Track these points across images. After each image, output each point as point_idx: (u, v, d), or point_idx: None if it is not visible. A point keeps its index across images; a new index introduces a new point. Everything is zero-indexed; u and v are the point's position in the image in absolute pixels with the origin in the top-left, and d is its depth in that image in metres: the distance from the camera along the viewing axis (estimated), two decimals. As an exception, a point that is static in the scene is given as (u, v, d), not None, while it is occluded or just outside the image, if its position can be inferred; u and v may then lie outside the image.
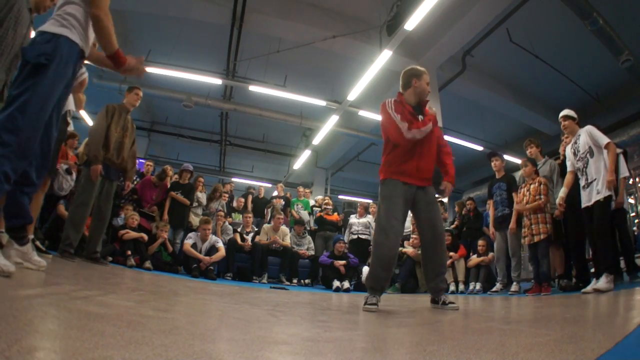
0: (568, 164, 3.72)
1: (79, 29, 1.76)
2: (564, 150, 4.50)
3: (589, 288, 3.31)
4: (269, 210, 7.32)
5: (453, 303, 2.40)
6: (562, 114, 3.79)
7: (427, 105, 2.62)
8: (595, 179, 3.34)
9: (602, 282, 3.11)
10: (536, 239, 4.09)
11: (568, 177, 3.69)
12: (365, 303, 2.27)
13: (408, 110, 2.47)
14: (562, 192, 3.70)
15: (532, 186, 4.26)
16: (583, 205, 3.46)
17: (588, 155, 3.44)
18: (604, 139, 3.36)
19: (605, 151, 3.32)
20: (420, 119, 2.47)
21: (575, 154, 3.61)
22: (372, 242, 2.47)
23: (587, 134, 3.47)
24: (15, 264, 1.68)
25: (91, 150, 3.49)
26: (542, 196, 4.11)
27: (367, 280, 2.41)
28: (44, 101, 1.62)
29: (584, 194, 3.46)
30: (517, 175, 5.13)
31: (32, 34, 2.08)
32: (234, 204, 7.41)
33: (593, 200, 3.32)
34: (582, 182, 3.48)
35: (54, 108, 1.76)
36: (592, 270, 3.95)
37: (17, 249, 1.78)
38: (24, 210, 1.77)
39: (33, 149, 1.63)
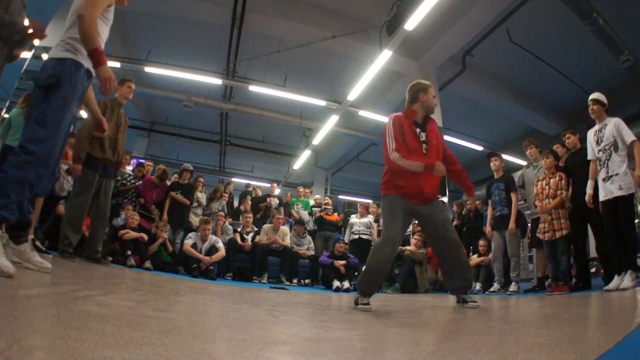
0: (589, 150, 3.62)
1: (82, 51, 1.88)
2: (559, 151, 4.50)
3: (611, 285, 3.23)
4: (264, 208, 7.32)
5: (475, 302, 2.43)
6: (592, 97, 3.61)
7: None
8: (617, 174, 3.28)
9: (627, 281, 3.07)
10: (558, 234, 3.97)
11: (592, 167, 3.57)
12: (358, 303, 2.27)
13: (411, 129, 2.47)
14: (589, 187, 3.56)
15: (552, 180, 4.11)
16: (602, 198, 3.39)
17: (612, 148, 3.36)
18: (630, 136, 3.29)
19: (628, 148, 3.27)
20: (419, 134, 2.49)
21: (598, 143, 3.50)
22: (373, 248, 2.45)
23: (615, 127, 3.37)
24: (13, 264, 1.69)
25: (75, 149, 3.41)
26: (563, 191, 3.99)
27: (361, 284, 2.39)
28: (61, 114, 1.78)
29: (603, 187, 3.39)
30: (517, 175, 5.12)
31: (26, 22, 2.11)
32: (241, 207, 7.34)
33: (615, 195, 3.27)
34: (603, 175, 3.40)
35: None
36: (593, 270, 3.94)
37: (13, 247, 1.79)
38: (21, 209, 1.79)
39: (55, 158, 1.77)
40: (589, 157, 3.62)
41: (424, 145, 2.47)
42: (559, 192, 4.02)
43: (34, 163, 1.65)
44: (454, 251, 2.45)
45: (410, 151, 2.41)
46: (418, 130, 2.49)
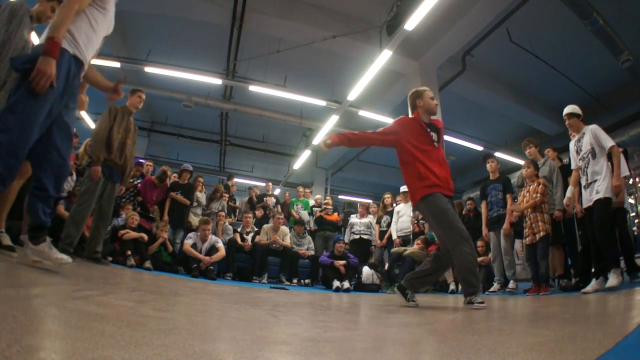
0: (572, 160, 3.70)
1: (68, 37, 1.81)
2: (550, 157, 4.53)
3: (589, 288, 3.32)
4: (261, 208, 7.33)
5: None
6: (565, 111, 3.70)
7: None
8: (595, 180, 3.35)
9: (612, 279, 3.13)
10: (537, 237, 4.05)
11: (574, 175, 3.65)
12: (472, 303, 2.35)
13: (420, 126, 2.62)
14: (568, 192, 3.66)
15: (531, 187, 4.25)
16: (584, 205, 3.48)
17: (590, 155, 3.43)
18: (608, 142, 3.34)
19: (607, 154, 3.34)
20: (431, 134, 2.62)
21: (577, 152, 3.59)
22: (458, 254, 2.49)
23: (592, 134, 3.44)
24: (33, 262, 1.81)
25: (93, 152, 3.55)
26: (538, 194, 4.09)
27: (471, 285, 2.42)
28: (32, 101, 1.68)
29: (585, 194, 3.47)
30: (516, 176, 5.13)
31: (32, 39, 2.20)
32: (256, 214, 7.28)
33: (593, 200, 3.33)
34: (583, 182, 3.49)
35: (58, 116, 1.82)
36: (593, 270, 3.94)
37: (33, 248, 1.85)
38: (36, 212, 1.84)
39: (25, 148, 1.68)
40: (572, 166, 3.71)
41: (435, 143, 2.62)
42: (535, 195, 4.12)
43: (1, 155, 1.57)
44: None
45: (422, 146, 2.55)
46: (428, 129, 2.64)
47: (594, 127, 3.49)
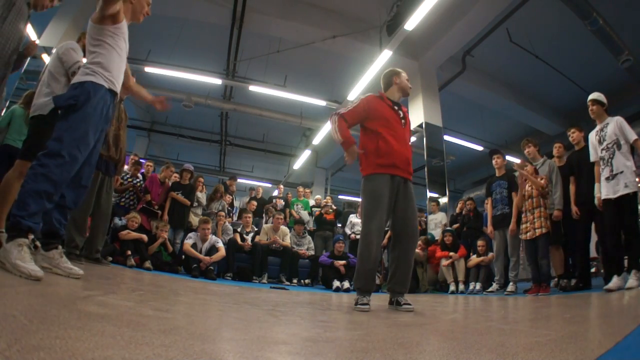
0: (591, 152, 3.62)
1: (102, 73, 1.95)
2: (558, 153, 4.50)
3: (611, 285, 3.21)
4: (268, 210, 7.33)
5: (409, 304, 2.32)
6: (591, 97, 3.65)
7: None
8: (622, 172, 3.29)
9: (632, 280, 3.07)
10: (538, 232, 4.01)
11: (597, 170, 3.56)
12: (357, 303, 2.27)
13: (387, 104, 2.55)
14: (597, 191, 3.53)
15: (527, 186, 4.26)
16: (604, 196, 3.39)
17: (615, 146, 3.38)
18: (632, 135, 3.32)
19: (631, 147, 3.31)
20: (398, 112, 2.56)
21: (600, 142, 3.53)
22: (359, 242, 2.42)
23: (617, 126, 3.41)
24: (43, 269, 1.74)
25: None
26: (542, 180, 4.07)
27: (356, 281, 2.39)
28: (78, 131, 1.83)
29: (607, 185, 3.38)
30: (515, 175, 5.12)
31: (29, 28, 2.19)
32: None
33: (620, 194, 3.26)
34: (606, 174, 3.41)
35: (93, 147, 1.95)
36: (593, 270, 3.93)
37: (43, 254, 1.89)
38: (49, 219, 1.92)
39: (70, 174, 1.83)
40: (592, 159, 3.62)
41: (402, 121, 2.55)
42: (546, 189, 4.13)
43: (48, 175, 1.72)
44: (409, 242, 2.42)
45: (389, 124, 2.46)
46: (396, 107, 2.57)
47: (619, 119, 3.44)
